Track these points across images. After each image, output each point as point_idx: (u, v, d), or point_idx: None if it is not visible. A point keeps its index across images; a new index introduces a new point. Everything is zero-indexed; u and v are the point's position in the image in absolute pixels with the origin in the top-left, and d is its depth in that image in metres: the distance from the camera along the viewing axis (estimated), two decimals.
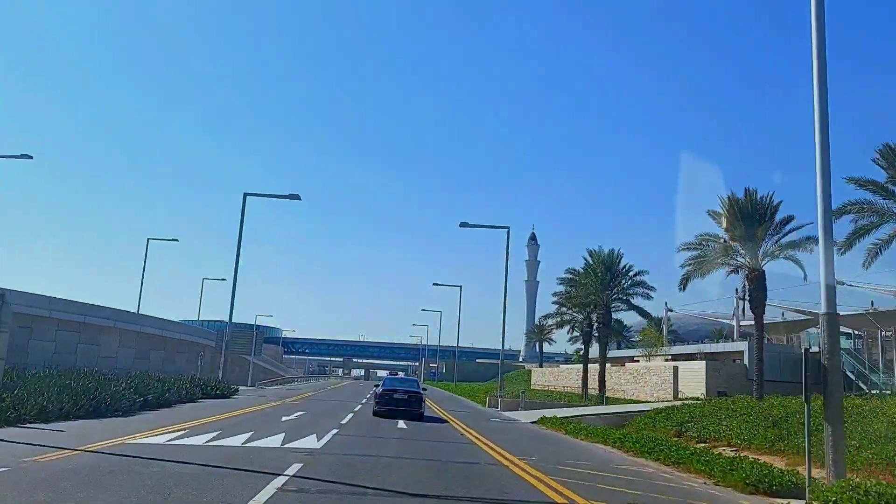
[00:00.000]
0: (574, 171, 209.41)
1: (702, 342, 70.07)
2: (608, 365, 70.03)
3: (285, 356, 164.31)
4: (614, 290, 42.06)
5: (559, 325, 50.31)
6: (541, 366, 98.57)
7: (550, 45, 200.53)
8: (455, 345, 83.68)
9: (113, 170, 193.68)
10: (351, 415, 22.77)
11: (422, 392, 23.30)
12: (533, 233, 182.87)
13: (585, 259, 43.30)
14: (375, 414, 22.08)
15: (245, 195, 35.88)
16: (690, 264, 28.21)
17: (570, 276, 44.64)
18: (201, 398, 27.43)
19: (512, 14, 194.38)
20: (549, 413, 27.03)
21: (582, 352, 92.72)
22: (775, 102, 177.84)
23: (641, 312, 42.50)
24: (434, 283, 68.10)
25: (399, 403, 21.80)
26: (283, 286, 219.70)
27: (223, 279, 76.11)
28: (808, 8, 11.56)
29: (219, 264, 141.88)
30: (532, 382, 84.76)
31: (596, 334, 43.94)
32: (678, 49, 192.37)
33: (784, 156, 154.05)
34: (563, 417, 25.09)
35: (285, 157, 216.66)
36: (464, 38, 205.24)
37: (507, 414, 30.43)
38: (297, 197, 35.39)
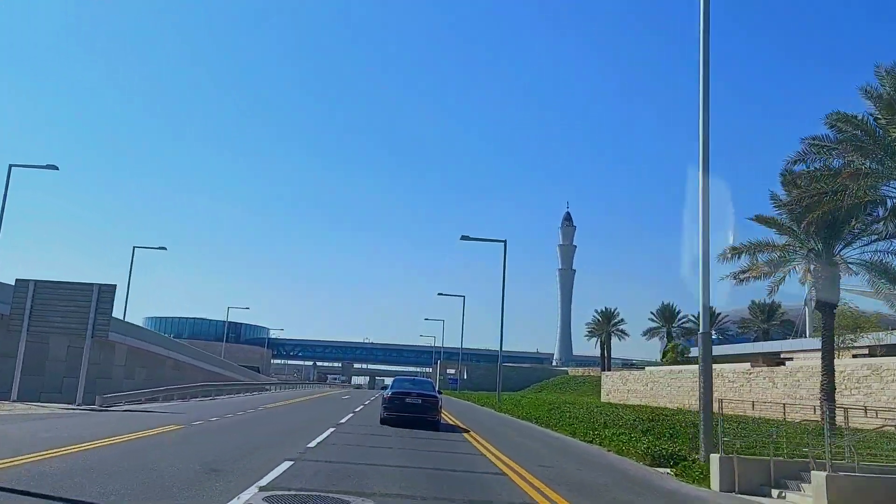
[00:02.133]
0: (576, 183, 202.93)
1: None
2: (746, 366, 43.47)
3: (274, 360, 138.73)
4: None
5: (770, 271, 22.53)
6: (606, 369, 71.32)
7: (550, 57, 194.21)
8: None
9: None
10: None
11: (438, 396, 20.62)
12: (567, 212, 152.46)
13: (867, 92, 17.00)
14: (383, 422, 19.21)
15: None
16: None
17: (822, 142, 17.72)
18: None
19: (512, 26, 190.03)
20: None
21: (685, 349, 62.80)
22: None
23: None
24: (463, 237, 42.30)
25: (411, 409, 19.24)
26: (282, 288, 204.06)
27: (163, 248, 51.75)
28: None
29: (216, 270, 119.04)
30: (604, 394, 58.20)
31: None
32: (671, 59, 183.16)
33: None
34: None
35: (285, 168, 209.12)
36: (467, 50, 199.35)
37: None
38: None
